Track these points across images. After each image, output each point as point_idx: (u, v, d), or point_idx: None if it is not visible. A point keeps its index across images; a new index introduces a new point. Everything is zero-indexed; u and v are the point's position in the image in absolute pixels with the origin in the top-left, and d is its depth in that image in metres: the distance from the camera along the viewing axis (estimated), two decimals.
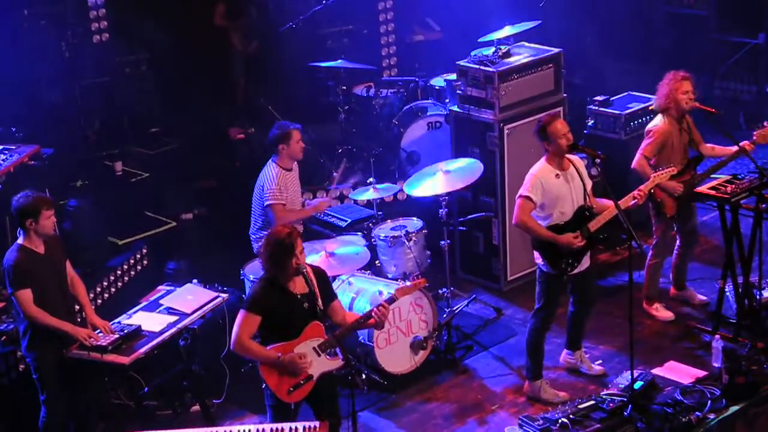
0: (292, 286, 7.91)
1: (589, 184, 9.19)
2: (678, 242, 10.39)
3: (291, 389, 7.86)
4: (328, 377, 8.03)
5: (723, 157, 10.06)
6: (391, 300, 8.19)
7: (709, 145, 10.20)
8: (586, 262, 9.22)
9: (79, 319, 8.92)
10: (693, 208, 10.27)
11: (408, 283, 8.49)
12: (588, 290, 9.42)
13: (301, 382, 7.85)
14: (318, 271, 8.11)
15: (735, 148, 9.94)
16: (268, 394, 7.98)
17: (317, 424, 7.35)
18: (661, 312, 10.40)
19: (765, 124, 10.07)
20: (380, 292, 9.51)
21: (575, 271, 9.14)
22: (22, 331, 8.50)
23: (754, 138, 9.95)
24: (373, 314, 7.98)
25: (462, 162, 10.46)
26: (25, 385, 8.74)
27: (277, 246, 7.82)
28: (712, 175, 10.09)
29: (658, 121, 10.02)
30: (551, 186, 8.97)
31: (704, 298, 10.57)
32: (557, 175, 8.99)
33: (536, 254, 9.18)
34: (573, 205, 9.05)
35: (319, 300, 7.90)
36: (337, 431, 8.11)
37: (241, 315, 7.86)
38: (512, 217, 9.21)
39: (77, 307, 8.88)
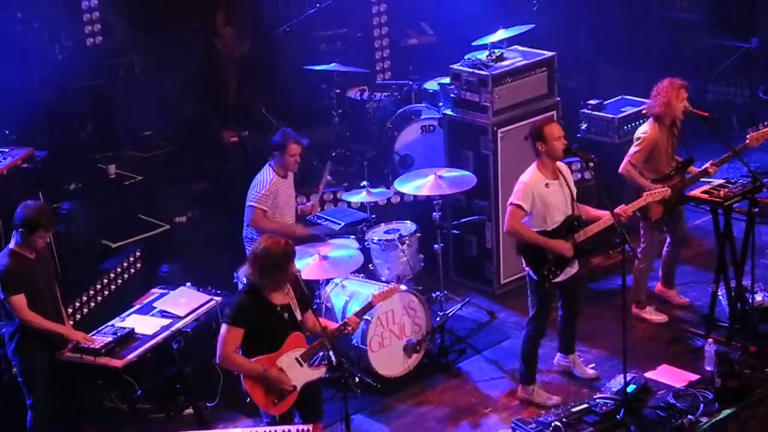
0: (273, 298, 7.91)
1: (574, 191, 9.19)
2: (668, 241, 10.42)
3: (275, 401, 7.90)
4: (314, 396, 8.11)
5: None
6: (369, 306, 8.36)
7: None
8: (572, 270, 9.20)
9: (72, 322, 8.93)
10: (681, 211, 10.28)
11: (384, 289, 8.67)
12: (575, 297, 9.40)
13: (285, 393, 7.89)
14: (294, 279, 8.06)
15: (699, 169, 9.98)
16: (265, 414, 8.03)
17: (310, 427, 7.35)
18: (654, 315, 10.41)
19: (761, 125, 10.07)
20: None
21: (558, 279, 9.12)
22: (9, 335, 8.48)
23: (747, 140, 9.97)
24: (346, 322, 8.18)
25: (457, 172, 10.48)
26: (17, 390, 8.72)
27: (274, 256, 7.78)
28: (703, 179, 10.13)
29: (646, 127, 10.04)
30: (542, 195, 8.98)
31: (686, 300, 10.59)
32: (547, 184, 8.99)
33: (524, 261, 9.18)
34: (563, 213, 9.06)
35: (297, 311, 7.96)
36: None
37: (224, 329, 7.83)
38: (503, 224, 9.19)
39: (70, 310, 8.88)
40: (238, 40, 14.03)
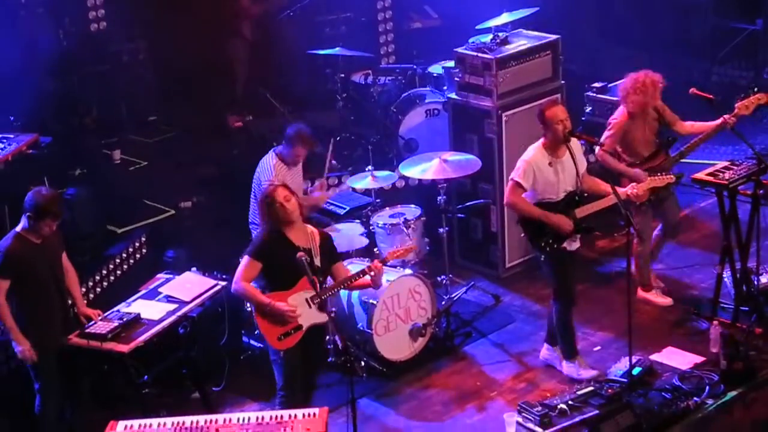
0: (294, 238, 8.24)
1: (583, 165, 9.19)
2: (658, 229, 10.39)
3: (281, 336, 8.19)
4: (318, 341, 8.38)
5: (702, 134, 10.02)
6: (384, 260, 8.56)
7: (687, 123, 10.14)
8: (574, 245, 9.21)
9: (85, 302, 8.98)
10: (670, 195, 10.19)
11: (399, 248, 8.83)
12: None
13: (291, 330, 8.20)
14: (323, 235, 8.50)
15: (715, 122, 9.93)
16: (271, 350, 8.32)
17: (317, 411, 7.36)
18: (660, 298, 10.41)
19: (751, 93, 10.03)
20: None
21: (563, 245, 9.11)
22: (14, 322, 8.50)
23: (736, 109, 9.94)
24: (366, 269, 8.38)
25: (462, 156, 10.48)
26: (26, 374, 8.75)
27: (261, 200, 8.37)
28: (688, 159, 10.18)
29: (618, 114, 10.06)
30: (543, 173, 9.02)
31: (669, 300, 10.51)
32: (550, 162, 9.03)
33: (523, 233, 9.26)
34: (561, 193, 9.08)
35: (318, 258, 8.24)
36: (309, 398, 8.52)
37: (244, 260, 8.29)
38: (503, 196, 9.26)
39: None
40: (255, 29, 13.97)
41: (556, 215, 9.01)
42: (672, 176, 9.54)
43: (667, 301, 10.40)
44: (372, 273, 8.38)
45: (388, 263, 10.06)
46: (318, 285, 8.18)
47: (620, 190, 9.15)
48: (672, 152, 10.12)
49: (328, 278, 8.50)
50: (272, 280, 8.29)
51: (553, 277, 9.25)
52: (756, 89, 10.09)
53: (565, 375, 9.46)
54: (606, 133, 10.00)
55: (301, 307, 8.22)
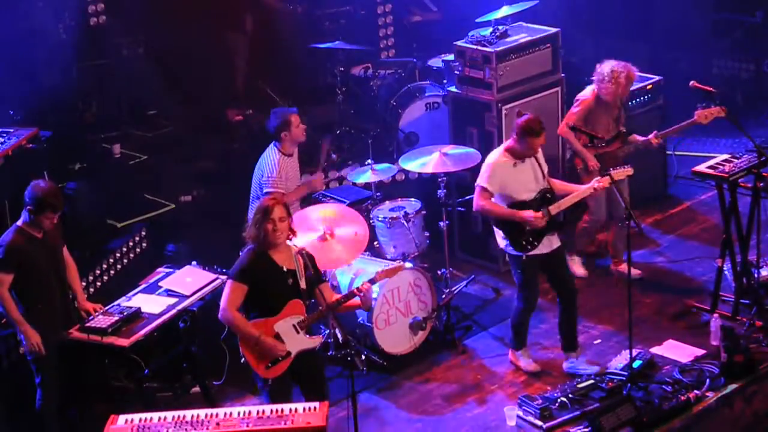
0: (279, 260, 7.99)
1: (545, 167, 9.19)
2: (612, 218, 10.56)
3: (269, 365, 7.96)
4: (311, 357, 8.14)
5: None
6: (373, 281, 8.29)
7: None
8: (554, 242, 9.21)
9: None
10: (623, 184, 10.11)
11: (388, 266, 8.55)
12: (563, 274, 9.37)
13: (279, 358, 7.96)
14: (307, 255, 8.16)
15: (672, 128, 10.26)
16: (257, 377, 8.08)
17: (317, 404, 7.36)
18: (577, 267, 10.52)
19: (712, 104, 10.08)
20: None
21: (540, 251, 9.11)
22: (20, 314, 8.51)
23: (695, 116, 10.00)
24: (355, 291, 8.11)
25: (462, 149, 10.47)
26: (27, 368, 8.76)
27: (257, 211, 7.98)
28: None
29: (588, 92, 10.25)
30: (508, 175, 9.03)
31: (639, 272, 10.54)
32: (515, 164, 9.05)
33: (499, 237, 9.20)
34: (533, 190, 9.07)
35: (303, 280, 8.01)
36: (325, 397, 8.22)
37: (228, 285, 7.97)
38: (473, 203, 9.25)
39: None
40: (255, 20, 13.95)
41: (525, 211, 9.00)
42: (630, 168, 9.51)
43: (582, 272, 10.60)
44: (361, 294, 8.12)
45: (389, 257, 10.15)
46: (320, 312, 8.04)
47: (584, 186, 9.19)
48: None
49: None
50: (257, 304, 7.98)
51: (520, 277, 9.26)
52: (718, 101, 10.10)
53: (510, 361, 9.58)
54: (573, 109, 10.25)
55: (288, 333, 7.98)
